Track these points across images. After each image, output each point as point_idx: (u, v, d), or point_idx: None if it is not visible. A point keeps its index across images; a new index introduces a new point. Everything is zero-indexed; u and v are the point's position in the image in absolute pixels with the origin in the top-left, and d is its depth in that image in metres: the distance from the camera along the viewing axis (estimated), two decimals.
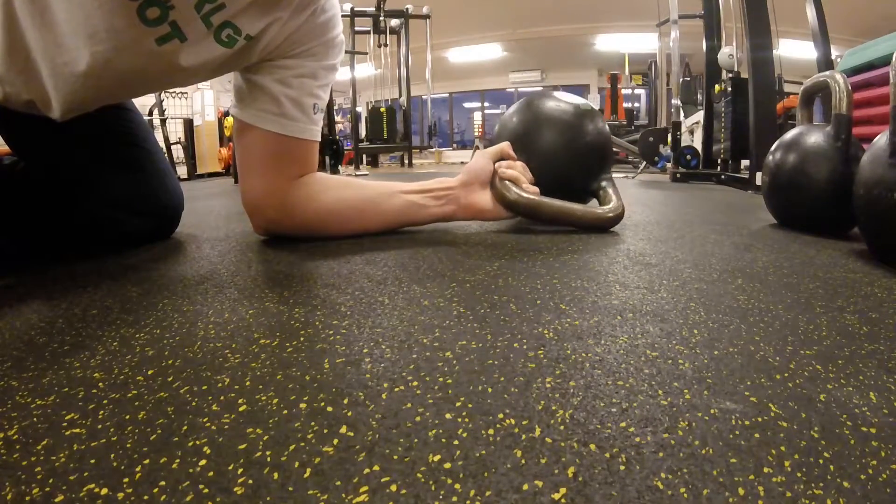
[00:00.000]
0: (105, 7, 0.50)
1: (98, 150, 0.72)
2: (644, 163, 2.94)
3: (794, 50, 4.50)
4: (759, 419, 0.26)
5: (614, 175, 0.94)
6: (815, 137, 0.82)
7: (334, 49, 0.70)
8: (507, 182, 0.76)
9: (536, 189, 0.77)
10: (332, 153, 3.16)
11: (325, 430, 0.25)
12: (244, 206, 0.74)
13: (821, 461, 0.23)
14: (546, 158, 0.86)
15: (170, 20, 0.53)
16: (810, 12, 2.04)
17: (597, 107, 0.94)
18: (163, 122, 3.51)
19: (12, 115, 0.60)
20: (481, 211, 0.77)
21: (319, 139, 0.73)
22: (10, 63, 0.54)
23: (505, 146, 0.81)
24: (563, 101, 0.91)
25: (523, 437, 0.24)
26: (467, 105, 10.78)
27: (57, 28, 0.51)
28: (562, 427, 0.25)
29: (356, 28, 4.67)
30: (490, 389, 0.29)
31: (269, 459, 0.23)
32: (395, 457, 0.23)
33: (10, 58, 0.53)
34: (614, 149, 0.93)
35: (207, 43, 0.57)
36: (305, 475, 0.22)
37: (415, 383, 0.30)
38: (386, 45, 4.98)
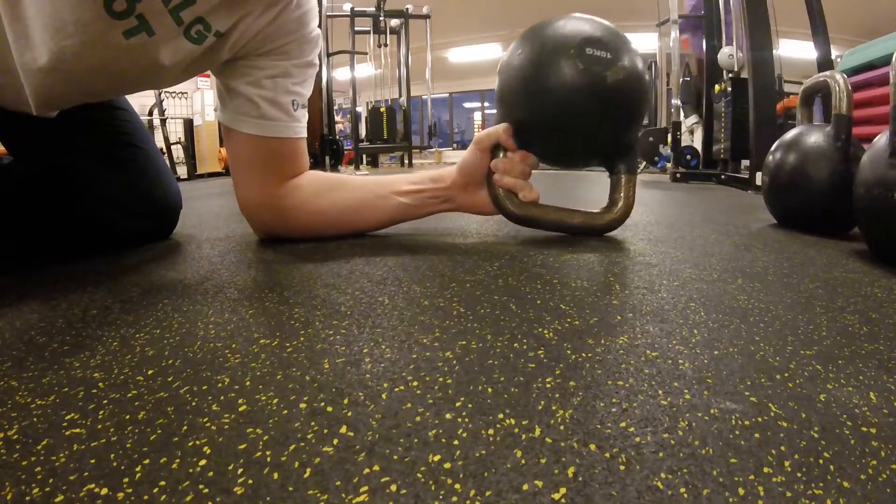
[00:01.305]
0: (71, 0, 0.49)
1: (94, 151, 0.72)
2: (644, 163, 2.94)
3: (794, 50, 4.50)
4: (759, 419, 0.26)
5: None
6: (815, 137, 0.82)
7: (309, 45, 0.68)
8: (502, 191, 0.71)
9: (536, 195, 0.72)
10: (332, 153, 3.16)
11: (325, 430, 0.25)
12: (241, 211, 0.74)
13: (821, 461, 0.23)
14: (553, 122, 0.68)
15: (136, 13, 0.52)
16: (810, 12, 2.05)
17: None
18: (163, 122, 3.51)
19: (8, 115, 0.60)
20: (478, 208, 0.75)
21: (305, 135, 0.71)
22: None
23: (502, 133, 0.69)
24: (578, 31, 0.66)
25: (523, 437, 0.24)
26: (467, 105, 10.78)
27: (26, 22, 0.51)
28: (562, 427, 0.25)
29: (356, 28, 4.67)
30: (490, 389, 0.29)
31: (269, 459, 0.23)
32: (395, 457, 0.23)
33: None
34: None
35: (177, 39, 0.56)
36: (305, 475, 0.22)
37: (415, 383, 0.30)
38: (386, 45, 4.99)
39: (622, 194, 0.74)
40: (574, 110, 0.66)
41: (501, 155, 0.71)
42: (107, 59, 0.55)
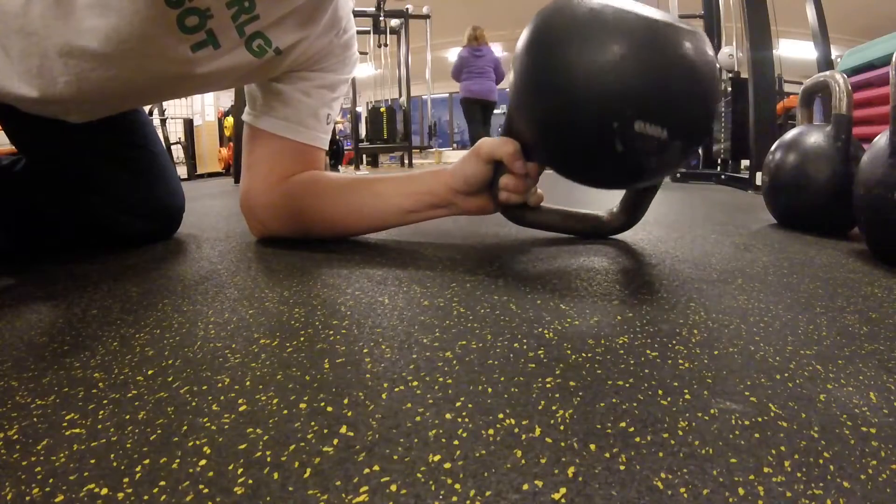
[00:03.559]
0: (142, 14, 0.51)
1: (101, 151, 0.72)
2: None
3: (794, 50, 4.50)
4: (759, 419, 0.26)
5: None
6: (815, 137, 0.82)
7: (350, 65, 0.74)
8: (507, 205, 0.64)
9: (541, 197, 0.67)
10: (333, 153, 3.16)
11: (325, 430, 0.25)
12: (241, 207, 0.75)
13: (821, 461, 0.23)
14: (574, 167, 0.53)
15: (207, 28, 0.55)
16: (810, 12, 2.05)
17: None
18: (163, 122, 3.52)
19: (16, 111, 0.60)
20: (480, 210, 0.74)
21: (326, 147, 0.76)
22: (27, 65, 0.54)
23: (505, 153, 0.58)
24: (628, 84, 0.44)
25: (523, 437, 0.24)
26: None
27: (84, 34, 0.52)
28: (562, 427, 0.25)
29: (356, 28, 4.67)
30: (490, 389, 0.29)
31: (269, 459, 0.23)
32: (395, 457, 0.23)
33: (27, 60, 0.54)
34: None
35: (238, 50, 0.59)
36: (305, 475, 0.22)
37: (415, 383, 0.30)
38: (386, 45, 4.99)
39: (638, 205, 0.70)
40: (601, 174, 0.53)
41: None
42: (170, 71, 0.58)
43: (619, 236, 0.76)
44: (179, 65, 0.57)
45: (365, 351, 0.35)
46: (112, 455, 0.23)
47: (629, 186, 0.64)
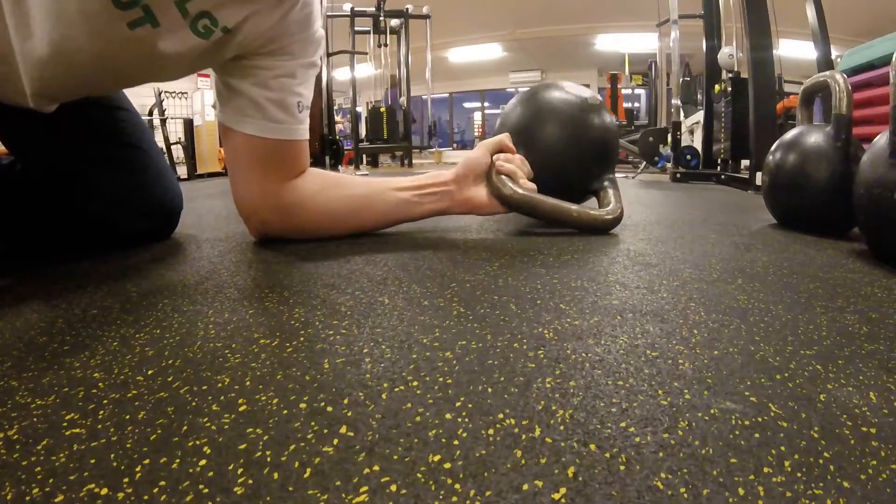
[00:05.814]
0: None
1: (94, 151, 0.72)
2: (644, 163, 2.94)
3: (794, 50, 4.50)
4: (759, 419, 0.26)
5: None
6: (815, 137, 0.82)
7: (313, 45, 0.69)
8: (503, 177, 0.75)
9: (533, 186, 0.76)
10: (332, 153, 3.16)
11: (325, 430, 0.25)
12: (238, 211, 0.74)
13: (821, 461, 0.23)
14: (547, 154, 0.85)
15: (142, 4, 0.52)
16: (810, 12, 2.04)
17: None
18: (163, 122, 3.51)
19: (8, 113, 0.60)
20: (476, 206, 0.76)
21: (307, 137, 0.72)
22: None
23: (504, 138, 0.78)
24: (568, 94, 0.88)
25: (523, 437, 0.24)
26: (467, 105, 10.78)
27: (29, 10, 0.50)
28: (562, 427, 0.25)
29: (356, 28, 4.67)
30: (490, 389, 0.29)
31: (269, 459, 0.23)
32: (395, 457, 0.23)
33: None
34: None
35: (183, 32, 0.56)
36: (305, 475, 0.22)
37: (415, 383, 0.30)
38: (386, 45, 4.98)
39: (612, 200, 0.83)
40: (567, 131, 0.87)
41: None
42: (110, 51, 0.55)
43: (619, 236, 0.76)
44: (121, 46, 0.54)
45: (365, 351, 0.35)
46: (112, 455, 0.23)
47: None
